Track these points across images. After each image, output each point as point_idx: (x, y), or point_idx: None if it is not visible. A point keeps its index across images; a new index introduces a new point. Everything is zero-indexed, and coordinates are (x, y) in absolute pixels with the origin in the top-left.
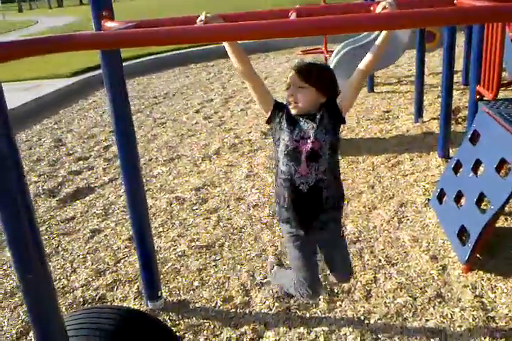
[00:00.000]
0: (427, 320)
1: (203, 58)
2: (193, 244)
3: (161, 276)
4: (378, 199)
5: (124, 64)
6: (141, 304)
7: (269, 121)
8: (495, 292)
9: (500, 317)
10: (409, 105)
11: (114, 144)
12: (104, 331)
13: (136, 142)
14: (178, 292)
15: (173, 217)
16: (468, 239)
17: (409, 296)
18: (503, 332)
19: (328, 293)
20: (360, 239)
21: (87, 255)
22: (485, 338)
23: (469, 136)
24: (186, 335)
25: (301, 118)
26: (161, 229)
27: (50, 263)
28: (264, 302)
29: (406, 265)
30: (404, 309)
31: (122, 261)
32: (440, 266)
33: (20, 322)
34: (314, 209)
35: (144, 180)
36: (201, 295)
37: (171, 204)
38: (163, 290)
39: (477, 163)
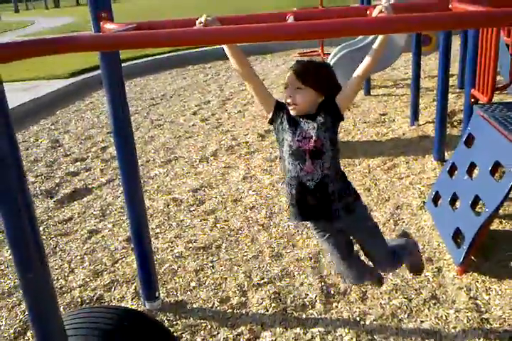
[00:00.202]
0: (421, 322)
1: (200, 60)
2: (190, 245)
3: (159, 277)
4: (374, 202)
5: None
6: (138, 304)
7: (271, 122)
8: (489, 294)
9: (495, 318)
10: (406, 108)
11: (112, 145)
12: (103, 331)
13: (134, 143)
14: (175, 292)
15: (171, 218)
16: (463, 241)
17: (405, 298)
18: (497, 333)
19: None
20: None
21: (85, 255)
22: (479, 339)
23: (464, 139)
24: (183, 335)
25: (301, 119)
26: (158, 230)
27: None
28: (261, 303)
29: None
30: (399, 310)
31: (120, 261)
32: (435, 268)
33: (17, 321)
34: (323, 203)
35: (141, 182)
36: (198, 295)
37: (168, 205)
38: (160, 291)
39: (472, 166)
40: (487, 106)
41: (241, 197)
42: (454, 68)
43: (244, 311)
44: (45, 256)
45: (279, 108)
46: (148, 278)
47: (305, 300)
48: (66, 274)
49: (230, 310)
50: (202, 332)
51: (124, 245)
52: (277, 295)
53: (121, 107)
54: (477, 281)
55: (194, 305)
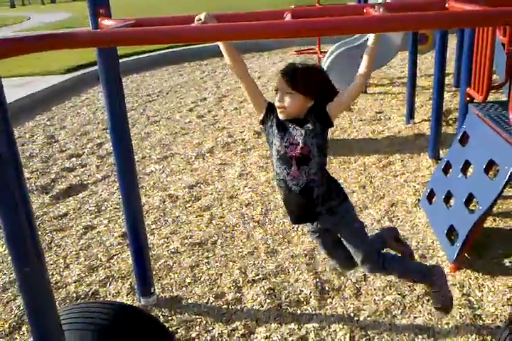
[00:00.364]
0: (415, 317)
1: (196, 57)
2: (185, 241)
3: (154, 273)
4: (369, 199)
5: None
6: (133, 300)
7: (262, 122)
8: (482, 290)
9: (487, 315)
10: (401, 106)
11: (107, 141)
12: (98, 325)
13: (130, 139)
14: (170, 288)
15: (166, 214)
16: (457, 238)
17: (398, 294)
18: (489, 329)
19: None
20: None
21: (80, 251)
22: (472, 335)
23: (459, 138)
24: (179, 331)
25: (290, 124)
26: (153, 226)
27: None
28: (256, 299)
29: None
30: (393, 306)
31: (115, 257)
32: (429, 264)
33: (13, 316)
34: (307, 206)
35: (137, 178)
36: (193, 291)
37: (163, 201)
38: (155, 287)
39: (466, 164)
40: (482, 104)
41: (237, 194)
42: (450, 67)
43: (239, 307)
44: (42, 251)
45: (271, 110)
46: (143, 274)
47: (299, 296)
48: (61, 269)
49: (225, 306)
50: (197, 327)
51: (119, 241)
52: (272, 291)
53: (118, 103)
54: (470, 278)
55: (189, 301)
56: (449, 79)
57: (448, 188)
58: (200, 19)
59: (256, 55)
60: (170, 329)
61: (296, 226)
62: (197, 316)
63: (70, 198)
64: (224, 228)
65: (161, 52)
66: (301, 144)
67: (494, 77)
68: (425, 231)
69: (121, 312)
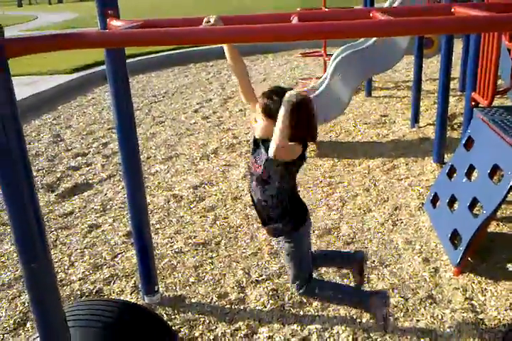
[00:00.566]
0: (417, 321)
1: (202, 58)
2: (189, 241)
3: (158, 272)
4: (373, 202)
5: None
6: (137, 298)
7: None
8: (485, 295)
9: (490, 319)
10: (406, 110)
11: (113, 141)
12: (103, 323)
13: (137, 138)
14: (174, 287)
15: (171, 214)
16: (460, 242)
17: (401, 297)
18: (491, 333)
19: None
20: (354, 240)
21: (85, 249)
22: (474, 339)
23: (464, 142)
24: (182, 330)
25: (261, 143)
26: (158, 225)
27: None
28: (259, 300)
29: (399, 266)
30: (395, 309)
31: (119, 256)
32: (432, 268)
33: (18, 312)
34: (261, 217)
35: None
36: (197, 291)
37: (168, 201)
38: (159, 286)
39: (471, 169)
40: (487, 109)
41: (241, 195)
42: (456, 71)
43: (242, 307)
44: (49, 247)
45: None
46: (147, 273)
47: (303, 297)
48: (66, 267)
49: (228, 306)
50: (200, 326)
51: (123, 240)
52: (275, 292)
53: (125, 103)
54: (473, 282)
55: (193, 300)
56: (454, 84)
57: (452, 192)
58: (209, 21)
59: (261, 57)
60: (173, 328)
61: None
62: (200, 315)
63: (76, 197)
64: (228, 229)
65: (167, 53)
66: (261, 167)
67: (499, 82)
68: (429, 235)
69: (126, 310)
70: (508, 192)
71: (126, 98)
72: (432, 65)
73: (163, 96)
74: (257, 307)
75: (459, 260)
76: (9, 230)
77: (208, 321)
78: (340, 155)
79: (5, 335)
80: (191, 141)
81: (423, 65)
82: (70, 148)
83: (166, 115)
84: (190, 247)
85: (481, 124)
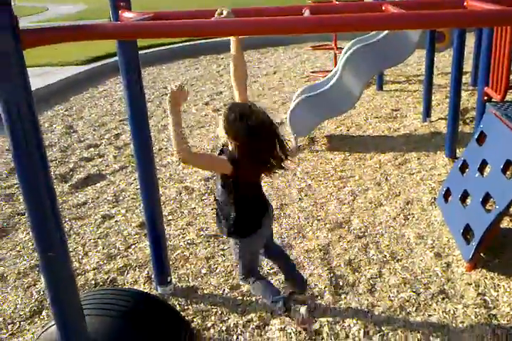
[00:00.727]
0: (429, 315)
1: (213, 50)
2: (201, 232)
3: (171, 262)
4: (384, 197)
5: None
6: (150, 288)
7: None
8: (497, 290)
9: (502, 315)
10: (418, 104)
11: (125, 133)
12: (118, 312)
13: (149, 129)
14: (186, 278)
15: (182, 205)
16: (473, 238)
17: (413, 291)
18: (504, 329)
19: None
20: (365, 234)
21: (98, 239)
22: (486, 335)
23: (476, 137)
24: (194, 320)
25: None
26: (170, 217)
27: None
28: None
29: (410, 261)
30: (407, 303)
31: (133, 246)
32: (444, 263)
33: (33, 301)
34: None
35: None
36: (209, 282)
37: (180, 193)
38: (172, 276)
39: (483, 164)
40: (500, 104)
41: None
42: (468, 65)
43: (254, 299)
44: (65, 236)
45: None
46: (160, 263)
47: (314, 290)
48: (80, 257)
49: (240, 297)
50: (212, 317)
51: (137, 231)
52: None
53: (137, 94)
54: (486, 278)
55: (205, 291)
56: (466, 78)
57: (464, 187)
58: (221, 13)
59: (271, 50)
60: (186, 318)
61: (311, 221)
62: (212, 306)
63: (89, 187)
64: None
65: (178, 45)
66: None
67: None
68: (441, 230)
69: (140, 300)
70: None
71: (138, 89)
72: (444, 59)
73: None
74: None
75: (471, 255)
76: (24, 220)
77: (220, 312)
78: (351, 149)
79: (21, 323)
80: (202, 134)
81: (435, 59)
82: (82, 139)
83: None
84: (202, 239)
85: (494, 119)
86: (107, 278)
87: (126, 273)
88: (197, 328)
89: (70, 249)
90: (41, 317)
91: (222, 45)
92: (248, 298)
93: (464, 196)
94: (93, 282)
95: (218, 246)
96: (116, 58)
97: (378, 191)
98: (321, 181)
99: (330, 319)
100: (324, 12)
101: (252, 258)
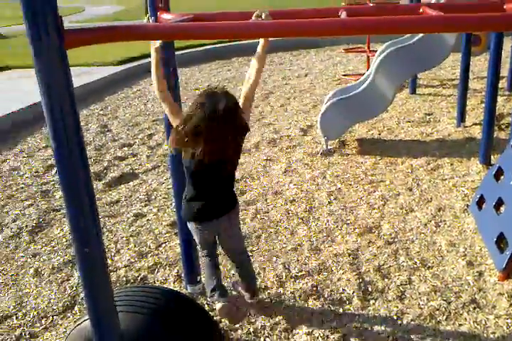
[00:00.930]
0: (460, 325)
1: (245, 52)
2: None
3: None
4: (416, 202)
5: None
6: (180, 287)
7: None
8: None
9: None
10: (452, 109)
11: (158, 133)
12: (149, 309)
13: None
14: None
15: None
16: (507, 246)
17: (444, 300)
18: None
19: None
20: (395, 240)
21: (130, 237)
22: None
23: None
24: (223, 320)
25: None
26: None
27: None
28: (300, 296)
29: (441, 269)
30: (437, 312)
31: (163, 245)
32: (476, 272)
33: (66, 296)
34: None
35: None
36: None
37: None
38: (201, 276)
39: None
40: None
41: (281, 190)
42: (504, 70)
43: (281, 301)
44: (101, 233)
45: None
46: (190, 263)
47: (342, 295)
48: (112, 254)
49: (267, 300)
50: None
51: (167, 229)
52: (315, 289)
53: (173, 94)
54: None
55: (233, 292)
56: (502, 83)
57: (499, 195)
58: (260, 15)
59: (303, 52)
60: (214, 318)
61: (340, 225)
62: (240, 307)
63: (122, 186)
64: (268, 223)
65: (210, 46)
66: None
67: None
68: (473, 238)
69: (171, 298)
70: None
71: (174, 89)
72: (480, 63)
73: None
74: (297, 303)
75: (504, 265)
76: (59, 216)
77: (248, 313)
78: (382, 153)
79: (54, 317)
80: None
81: (470, 63)
82: (116, 138)
83: None
84: None
85: None
86: (138, 276)
87: (156, 272)
88: (225, 329)
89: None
90: (73, 312)
91: (254, 47)
92: (276, 301)
93: (498, 204)
94: (124, 279)
95: (247, 247)
96: (150, 59)
97: (409, 196)
98: (351, 185)
99: (358, 325)
100: (361, 14)
101: (202, 244)
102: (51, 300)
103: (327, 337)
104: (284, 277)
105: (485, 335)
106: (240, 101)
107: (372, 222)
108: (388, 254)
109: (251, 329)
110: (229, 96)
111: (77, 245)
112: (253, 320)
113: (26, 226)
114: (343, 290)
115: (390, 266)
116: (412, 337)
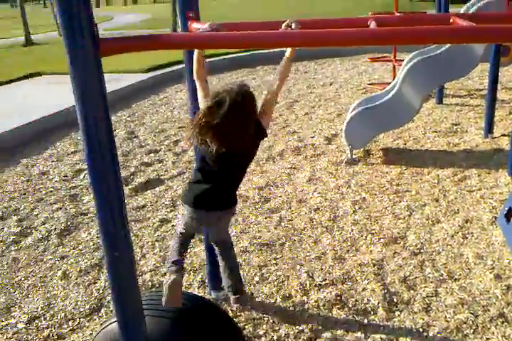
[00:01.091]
0: (487, 339)
1: (270, 61)
2: (254, 241)
3: None
4: (442, 213)
5: None
6: (204, 293)
7: None
8: None
9: None
10: (479, 119)
11: (183, 139)
12: (174, 314)
13: None
14: None
15: (237, 213)
16: None
17: (471, 313)
18: None
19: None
20: (421, 251)
21: (156, 242)
22: None
23: None
24: (246, 327)
25: None
26: None
27: None
28: (324, 305)
29: (469, 281)
30: (464, 325)
31: (188, 250)
32: (504, 285)
33: (93, 299)
34: None
35: None
36: (261, 290)
37: None
38: None
39: None
40: None
41: (306, 198)
42: None
43: (306, 310)
44: (130, 237)
45: None
46: (214, 269)
47: (367, 305)
48: (138, 258)
49: (291, 308)
50: (264, 325)
51: None
52: (339, 298)
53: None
54: None
55: (257, 299)
56: None
57: None
58: (289, 25)
59: (328, 61)
60: (238, 325)
61: (365, 235)
62: (264, 315)
63: (148, 191)
64: (292, 231)
65: (235, 55)
66: None
67: None
68: (501, 251)
69: (196, 304)
70: None
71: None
72: (508, 74)
73: None
74: (321, 312)
75: None
76: (87, 220)
77: (271, 321)
78: (408, 163)
79: (81, 319)
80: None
81: (499, 74)
82: (143, 144)
83: None
84: (255, 247)
85: None
86: (163, 281)
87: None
88: (248, 336)
89: None
90: (100, 314)
91: (280, 56)
92: (299, 309)
93: None
94: (149, 283)
95: (271, 255)
96: (176, 67)
97: (436, 207)
98: (375, 195)
99: (383, 336)
100: (390, 24)
101: (183, 222)
102: (78, 303)
103: None
104: (307, 285)
105: None
106: (260, 106)
107: (398, 233)
108: (414, 265)
109: (275, 337)
110: (246, 92)
111: (107, 249)
112: (277, 328)
113: (55, 229)
114: (367, 300)
115: (416, 278)
116: None
